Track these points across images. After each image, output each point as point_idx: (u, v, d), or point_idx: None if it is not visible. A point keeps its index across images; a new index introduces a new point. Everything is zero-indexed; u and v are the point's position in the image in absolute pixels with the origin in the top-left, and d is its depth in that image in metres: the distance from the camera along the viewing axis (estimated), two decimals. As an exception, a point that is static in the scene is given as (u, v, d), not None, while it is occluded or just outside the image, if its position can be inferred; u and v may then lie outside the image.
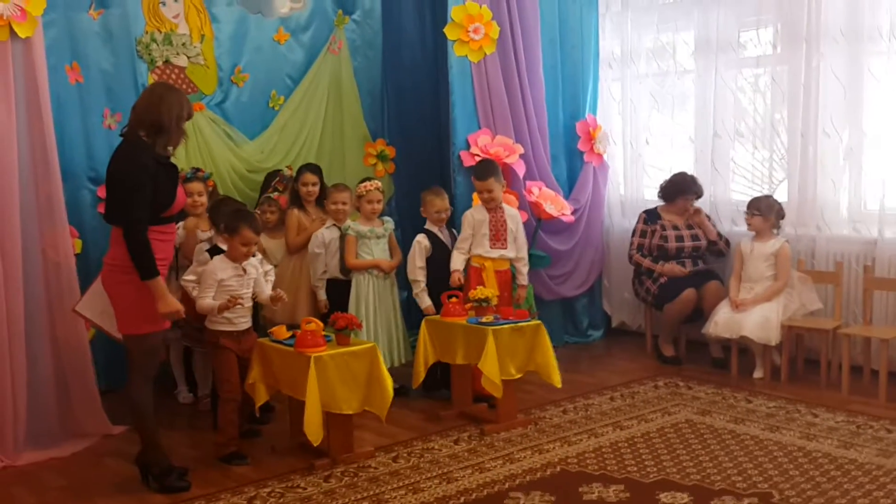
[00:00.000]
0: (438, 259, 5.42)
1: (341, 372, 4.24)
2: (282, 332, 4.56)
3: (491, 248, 5.39)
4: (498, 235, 5.40)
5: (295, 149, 6.35)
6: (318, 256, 5.46)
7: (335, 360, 4.24)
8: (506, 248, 5.43)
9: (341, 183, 5.70)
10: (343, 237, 5.40)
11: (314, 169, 5.74)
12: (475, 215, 5.43)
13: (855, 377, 5.34)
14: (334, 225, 5.47)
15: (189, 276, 4.75)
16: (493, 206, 5.41)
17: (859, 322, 5.51)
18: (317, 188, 5.64)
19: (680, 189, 6.27)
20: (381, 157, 6.62)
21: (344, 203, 5.45)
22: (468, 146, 6.07)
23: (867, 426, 4.65)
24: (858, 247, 5.67)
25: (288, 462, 4.40)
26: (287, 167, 6.00)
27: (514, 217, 5.51)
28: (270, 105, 6.35)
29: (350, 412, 4.33)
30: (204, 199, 5.29)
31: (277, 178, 5.89)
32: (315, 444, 4.17)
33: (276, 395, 4.71)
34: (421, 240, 5.43)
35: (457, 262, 5.37)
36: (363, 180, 5.55)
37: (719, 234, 6.26)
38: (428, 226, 5.50)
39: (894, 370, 5.13)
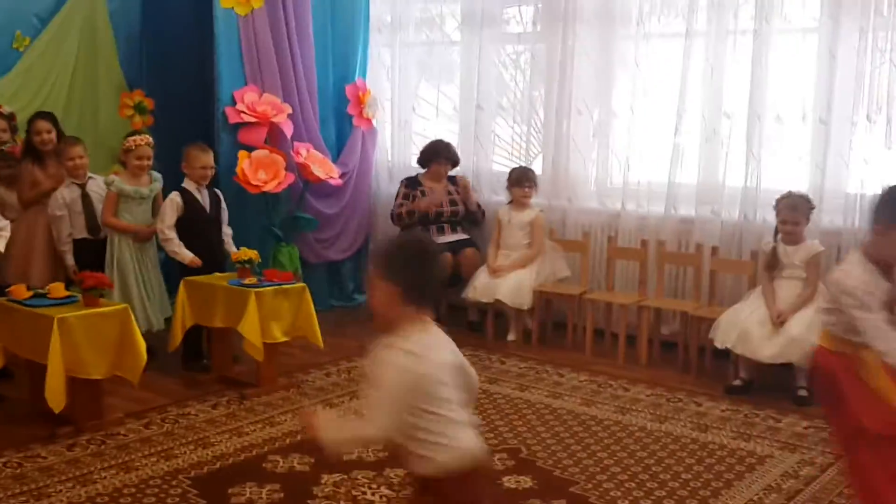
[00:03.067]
0: (191, 220, 5.11)
1: (89, 335, 3.99)
2: (21, 291, 4.22)
3: None
4: None
5: (41, 95, 5.84)
6: (61, 219, 5.10)
7: (82, 322, 3.98)
8: None
9: (73, 136, 5.30)
10: (86, 196, 5.09)
11: (47, 116, 5.32)
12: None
13: (598, 340, 5.74)
14: (73, 183, 5.11)
15: None
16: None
17: (603, 288, 5.92)
18: (52, 136, 5.24)
19: (433, 155, 6.44)
20: (138, 108, 6.24)
21: (81, 157, 5.11)
22: (234, 102, 5.87)
23: (607, 385, 5.02)
24: (604, 218, 6.07)
25: (28, 430, 4.08)
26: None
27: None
28: (14, 46, 5.78)
29: (98, 377, 4.08)
30: None
31: None
32: (57, 411, 3.90)
33: (15, 360, 4.36)
34: (174, 197, 5.11)
35: None
36: (131, 133, 5.23)
37: (478, 205, 6.48)
38: (186, 183, 5.21)
39: (632, 333, 5.55)
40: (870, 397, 2.80)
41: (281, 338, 4.75)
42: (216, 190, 5.36)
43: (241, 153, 5.73)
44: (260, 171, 5.76)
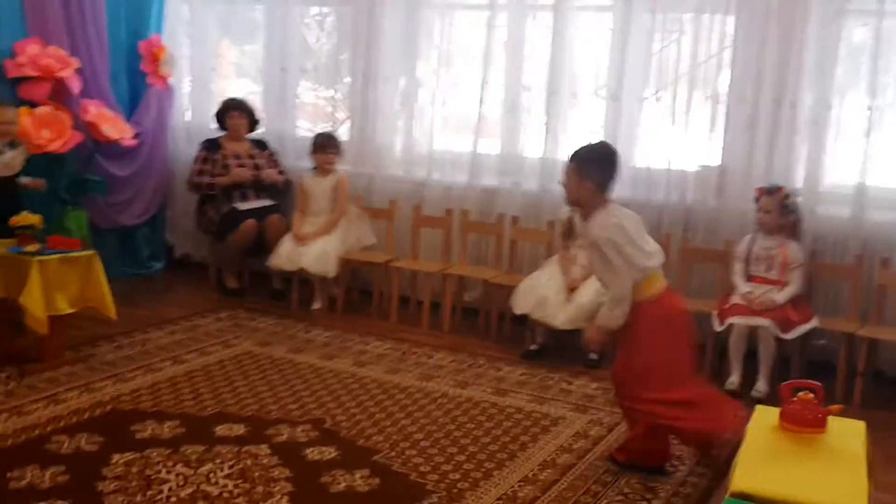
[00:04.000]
0: None
1: None
2: None
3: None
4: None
5: None
6: None
7: None
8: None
9: None
10: None
11: None
12: None
13: (403, 307, 5.79)
14: None
15: None
16: None
17: (408, 256, 5.96)
18: None
19: (224, 109, 6.24)
20: None
21: None
22: (14, 55, 5.39)
23: (411, 353, 5.07)
24: (410, 187, 6.11)
25: None
26: None
27: None
28: None
29: None
30: None
31: None
32: None
33: None
34: None
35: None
36: None
37: (281, 171, 6.33)
38: None
39: (436, 300, 5.64)
40: None
41: (67, 309, 4.45)
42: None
43: (23, 110, 5.28)
44: (44, 130, 5.35)
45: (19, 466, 3.32)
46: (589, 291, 4.90)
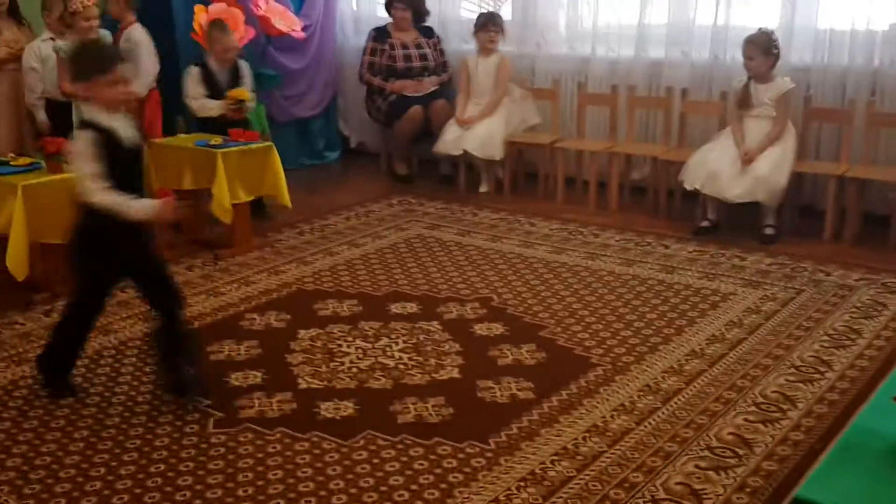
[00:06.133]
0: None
1: (53, 201, 3.92)
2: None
3: None
4: None
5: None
6: (32, 72, 4.99)
7: (47, 189, 3.94)
8: None
9: None
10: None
11: None
12: None
13: (569, 188, 5.76)
14: (51, 38, 4.98)
15: None
16: None
17: (574, 136, 5.88)
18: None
19: (388, 2, 6.23)
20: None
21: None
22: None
23: (577, 232, 5.08)
24: (574, 64, 5.97)
25: (4, 298, 4.08)
26: None
27: None
28: None
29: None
30: None
31: None
32: (20, 279, 3.90)
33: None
34: (193, 71, 5.27)
35: None
36: None
37: (444, 63, 6.37)
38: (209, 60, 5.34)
39: (603, 180, 5.57)
40: None
41: (245, 198, 4.73)
42: (241, 63, 5.41)
43: (198, 7, 5.54)
44: (219, 27, 5.59)
45: (218, 341, 3.65)
46: (766, 162, 4.69)
